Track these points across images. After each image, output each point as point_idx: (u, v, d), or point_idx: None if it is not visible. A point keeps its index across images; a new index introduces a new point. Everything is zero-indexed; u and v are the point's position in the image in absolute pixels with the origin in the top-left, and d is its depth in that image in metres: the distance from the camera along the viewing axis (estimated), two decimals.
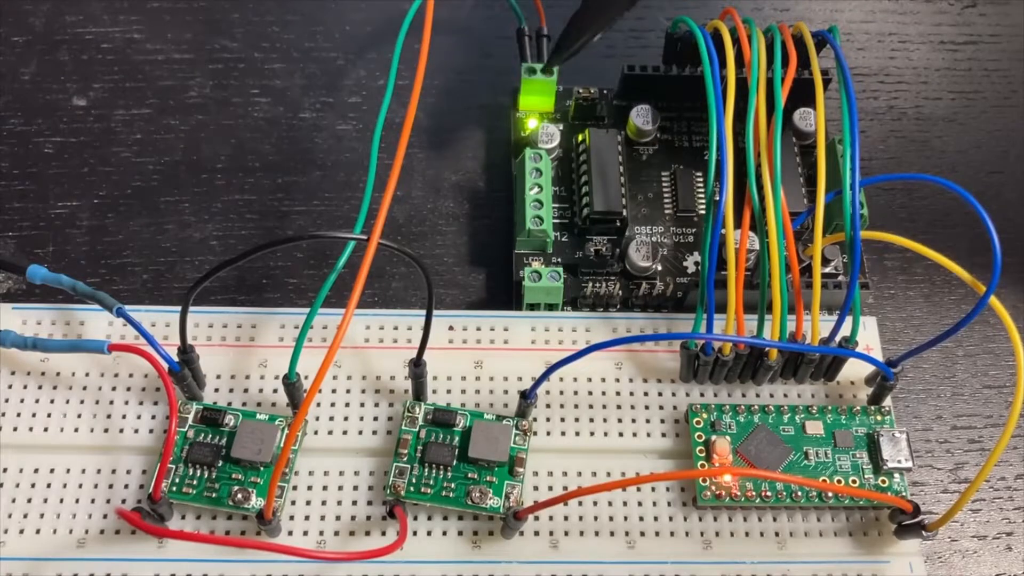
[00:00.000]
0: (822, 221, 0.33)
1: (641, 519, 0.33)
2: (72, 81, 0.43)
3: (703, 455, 0.33)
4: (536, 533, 0.32)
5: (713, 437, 0.33)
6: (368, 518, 0.32)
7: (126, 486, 0.32)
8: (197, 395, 0.33)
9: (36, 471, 0.32)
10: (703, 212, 0.39)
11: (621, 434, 0.34)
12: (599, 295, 0.37)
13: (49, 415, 0.33)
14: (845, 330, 0.33)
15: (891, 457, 0.33)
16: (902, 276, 0.41)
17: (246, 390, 0.34)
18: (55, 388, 0.34)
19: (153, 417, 0.34)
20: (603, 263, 0.38)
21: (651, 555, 0.32)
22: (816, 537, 0.33)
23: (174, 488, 0.31)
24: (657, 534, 0.33)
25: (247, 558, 0.31)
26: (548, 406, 0.34)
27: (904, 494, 0.33)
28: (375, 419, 0.34)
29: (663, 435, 0.34)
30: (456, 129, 0.43)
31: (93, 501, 0.32)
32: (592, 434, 0.34)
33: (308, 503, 0.32)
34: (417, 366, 0.32)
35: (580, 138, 0.40)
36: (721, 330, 0.33)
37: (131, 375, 0.34)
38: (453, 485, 0.32)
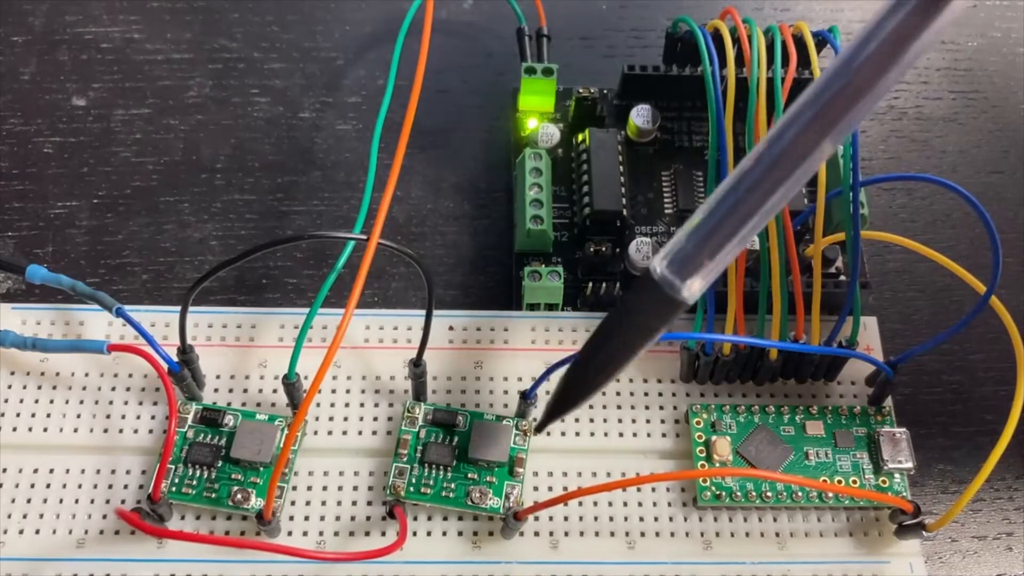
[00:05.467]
0: (822, 221, 0.33)
1: (641, 519, 0.33)
2: (72, 81, 0.43)
3: (703, 455, 0.33)
4: (536, 533, 0.32)
5: (713, 437, 0.33)
6: (368, 518, 0.32)
7: (126, 486, 0.32)
8: (197, 395, 0.33)
9: (36, 471, 0.32)
10: None
11: (621, 434, 0.34)
12: (599, 295, 0.37)
13: (49, 415, 0.33)
14: (845, 330, 0.33)
15: (891, 457, 0.33)
16: (902, 276, 0.41)
17: (246, 390, 0.34)
18: (55, 388, 0.34)
19: (153, 417, 0.34)
20: (603, 263, 0.38)
21: (651, 555, 0.32)
22: (816, 537, 0.33)
23: (174, 488, 0.31)
24: (657, 534, 0.33)
25: (247, 558, 0.31)
26: None
27: (904, 494, 0.33)
28: (375, 419, 0.34)
29: (663, 435, 0.34)
30: (456, 129, 0.43)
31: (93, 501, 0.32)
32: (592, 434, 0.34)
33: (308, 503, 0.32)
34: (417, 366, 0.32)
35: (580, 138, 0.40)
36: (721, 330, 0.33)
37: (131, 375, 0.34)
38: (453, 485, 0.32)
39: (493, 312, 0.37)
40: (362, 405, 0.34)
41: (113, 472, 0.33)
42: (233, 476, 0.32)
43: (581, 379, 0.27)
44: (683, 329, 0.36)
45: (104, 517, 0.32)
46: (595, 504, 0.33)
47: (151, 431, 0.33)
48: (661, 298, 0.24)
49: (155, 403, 0.34)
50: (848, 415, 0.34)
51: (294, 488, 0.33)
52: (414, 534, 0.32)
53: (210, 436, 0.32)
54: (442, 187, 0.42)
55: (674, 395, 0.35)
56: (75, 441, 0.33)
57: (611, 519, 0.33)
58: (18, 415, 0.33)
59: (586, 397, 0.28)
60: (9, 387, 0.34)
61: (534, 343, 0.36)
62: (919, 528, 0.32)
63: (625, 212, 0.38)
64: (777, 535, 0.33)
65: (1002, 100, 0.46)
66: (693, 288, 0.24)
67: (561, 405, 0.28)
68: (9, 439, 0.33)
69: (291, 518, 0.32)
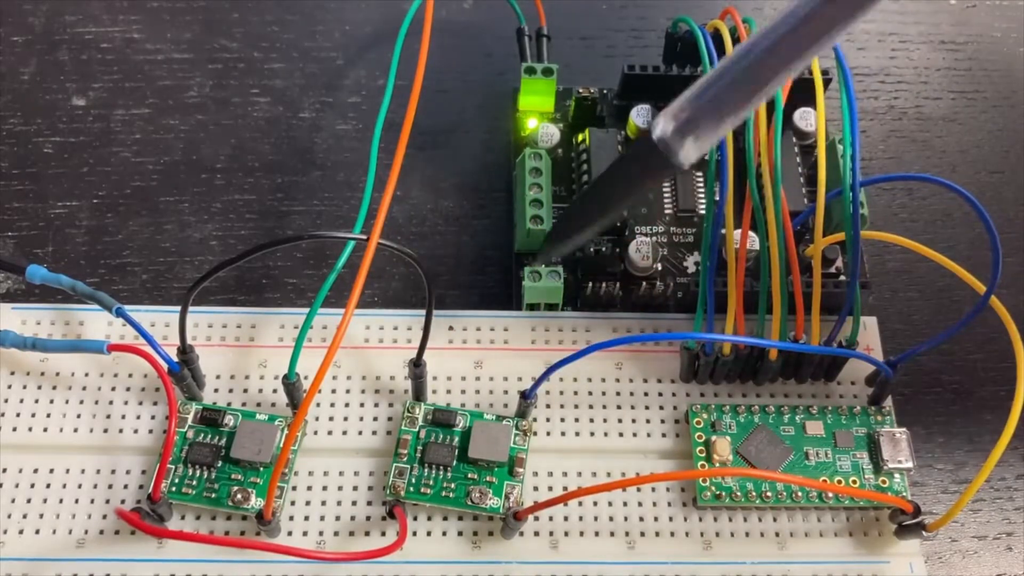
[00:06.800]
0: (822, 221, 0.33)
1: (641, 519, 0.33)
2: (72, 81, 0.43)
3: (703, 455, 0.33)
4: (536, 533, 0.32)
5: (713, 437, 0.33)
6: (368, 518, 0.32)
7: (126, 486, 0.32)
8: (197, 395, 0.33)
9: (36, 471, 0.32)
10: (703, 212, 0.39)
11: (621, 434, 0.34)
12: (599, 295, 0.37)
13: (49, 415, 0.33)
14: (845, 330, 0.33)
15: (891, 457, 0.33)
16: (902, 276, 0.41)
17: (246, 390, 0.34)
18: (55, 388, 0.34)
19: (153, 417, 0.34)
20: (603, 263, 0.38)
21: (651, 555, 0.32)
22: (816, 537, 0.33)
23: (174, 488, 0.31)
24: (657, 534, 0.33)
25: (247, 558, 0.31)
26: (548, 406, 0.34)
27: (904, 494, 0.33)
28: (375, 419, 0.34)
29: (663, 435, 0.34)
30: (456, 129, 0.43)
31: (93, 501, 0.32)
32: (592, 434, 0.34)
33: (308, 503, 0.32)
34: (417, 366, 0.32)
35: (580, 138, 0.40)
36: (721, 330, 0.33)
37: (131, 375, 0.34)
38: (453, 485, 0.32)
39: (493, 312, 0.37)
40: (362, 405, 0.34)
41: (113, 472, 0.33)
42: (233, 476, 0.32)
43: (577, 215, 0.31)
44: (683, 329, 0.36)
45: (104, 517, 0.32)
46: (595, 504, 0.33)
47: (151, 431, 0.33)
48: (656, 158, 0.25)
49: (155, 403, 0.34)
50: (848, 415, 0.34)
51: (294, 488, 0.33)
52: (414, 534, 0.32)
53: (210, 436, 0.32)
54: (442, 187, 0.42)
55: (674, 395, 0.35)
56: (75, 441, 0.33)
57: (611, 519, 0.33)
58: (18, 415, 0.33)
59: (579, 234, 0.31)
60: (9, 387, 0.34)
61: (534, 343, 0.36)
62: (919, 528, 0.32)
63: (625, 212, 0.38)
64: (777, 535, 0.33)
65: (1002, 100, 0.46)
66: (689, 154, 0.25)
67: (557, 236, 0.32)
68: (9, 439, 0.33)
69: (291, 518, 0.32)
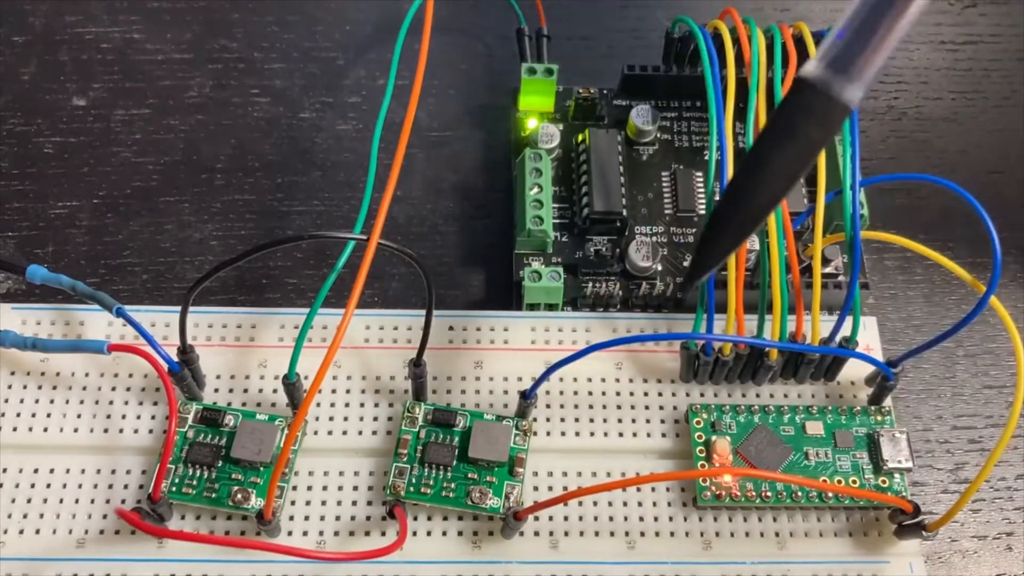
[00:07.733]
0: (822, 221, 0.33)
1: (641, 519, 0.33)
2: (72, 81, 0.43)
3: (703, 455, 0.33)
4: (536, 533, 0.32)
5: (713, 437, 0.33)
6: (368, 518, 0.32)
7: (126, 486, 0.32)
8: (197, 395, 0.33)
9: (36, 471, 0.32)
10: (703, 212, 0.39)
11: (621, 434, 0.34)
12: (599, 295, 0.37)
13: (49, 415, 0.33)
14: (845, 330, 0.33)
15: (891, 457, 0.33)
16: (902, 276, 0.41)
17: (246, 390, 0.34)
18: (55, 388, 0.34)
19: (153, 417, 0.34)
20: (603, 263, 0.38)
21: (651, 555, 0.32)
22: (816, 537, 0.33)
23: (174, 488, 0.31)
24: (657, 534, 0.33)
25: (247, 558, 0.31)
26: (548, 406, 0.34)
27: (904, 494, 0.33)
28: (375, 419, 0.34)
29: (663, 435, 0.34)
30: (456, 129, 0.43)
31: (93, 501, 0.32)
32: (592, 434, 0.34)
33: (308, 503, 0.32)
34: (417, 366, 0.32)
35: (580, 138, 0.40)
36: (721, 330, 0.33)
37: (131, 375, 0.34)
38: (453, 485, 0.32)
39: (493, 312, 0.37)
40: (362, 405, 0.34)
41: (113, 472, 0.33)
42: (233, 476, 0.32)
43: (736, 214, 0.24)
44: (683, 329, 0.36)
45: (104, 517, 0.32)
46: (595, 504, 0.33)
47: (151, 431, 0.33)
48: (822, 103, 0.22)
49: (155, 403, 0.34)
50: (848, 415, 0.34)
51: (294, 488, 0.33)
52: (414, 534, 0.32)
53: (210, 436, 0.32)
54: (442, 187, 0.42)
55: (674, 395, 0.35)
56: (75, 441, 0.33)
57: (611, 519, 0.33)
58: (18, 415, 0.33)
59: (741, 237, 0.24)
60: (9, 387, 0.34)
61: (534, 343, 0.36)
62: (919, 528, 0.32)
63: (625, 212, 0.38)
64: (777, 535, 0.33)
65: (1002, 100, 0.46)
66: (856, 87, 0.22)
67: (711, 250, 0.24)
68: (9, 439, 0.33)
69: (291, 518, 0.32)
